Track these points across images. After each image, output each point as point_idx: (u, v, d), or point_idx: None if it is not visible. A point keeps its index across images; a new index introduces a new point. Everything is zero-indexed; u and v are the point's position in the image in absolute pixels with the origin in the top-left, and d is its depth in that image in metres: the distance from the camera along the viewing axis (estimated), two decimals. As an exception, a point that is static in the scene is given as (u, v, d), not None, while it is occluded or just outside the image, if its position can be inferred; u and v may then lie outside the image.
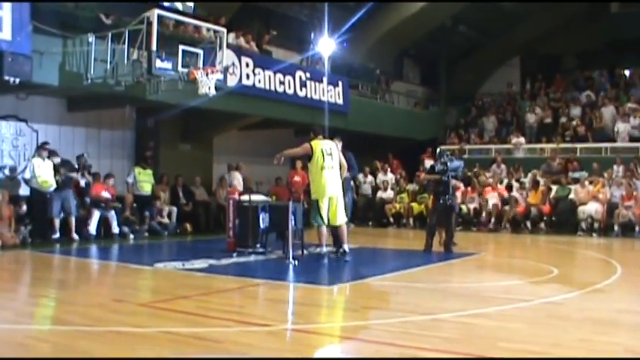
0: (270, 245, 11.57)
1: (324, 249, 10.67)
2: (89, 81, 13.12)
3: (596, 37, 25.69)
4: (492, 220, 18.51)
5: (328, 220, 10.71)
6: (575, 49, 27.44)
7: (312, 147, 10.76)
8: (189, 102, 14.25)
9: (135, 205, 15.67)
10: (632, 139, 21.19)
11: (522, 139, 22.96)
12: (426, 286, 8.67)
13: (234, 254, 11.20)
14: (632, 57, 25.51)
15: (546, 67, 27.41)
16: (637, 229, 16.75)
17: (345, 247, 10.77)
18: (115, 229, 14.86)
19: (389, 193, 20.55)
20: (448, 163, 12.38)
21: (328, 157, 10.69)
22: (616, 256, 12.70)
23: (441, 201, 12.36)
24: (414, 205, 19.96)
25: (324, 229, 10.77)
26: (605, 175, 18.84)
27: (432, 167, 13.10)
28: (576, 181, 18.83)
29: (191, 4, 15.23)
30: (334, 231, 11.01)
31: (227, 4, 18.30)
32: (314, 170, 10.78)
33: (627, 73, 25.58)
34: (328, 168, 10.67)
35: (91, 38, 13.05)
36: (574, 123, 22.67)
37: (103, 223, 14.89)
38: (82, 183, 14.74)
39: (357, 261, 11.02)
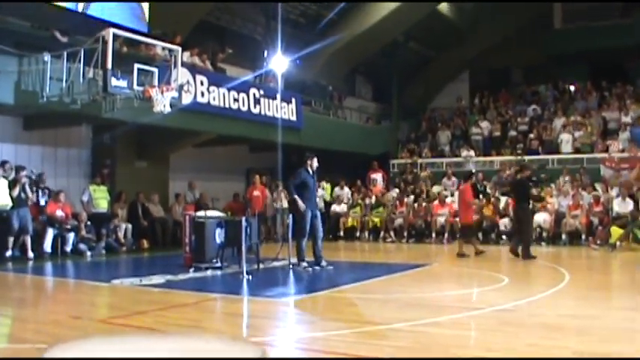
0: (226, 260, 11.72)
1: None
2: (45, 99, 13.09)
3: (540, 52, 26.45)
4: (446, 234, 18.90)
5: None
6: (521, 63, 28.25)
7: None
8: (144, 120, 14.27)
9: (91, 222, 15.58)
10: (577, 150, 21.90)
11: (472, 152, 23.46)
12: (381, 297, 8.88)
13: (191, 269, 11.31)
14: (575, 70, 26.39)
15: (494, 81, 28.08)
16: (583, 237, 17.32)
17: None
18: (69, 247, 14.87)
19: (342, 207, 20.85)
20: None
21: None
22: (564, 263, 13.00)
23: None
24: (373, 218, 20.30)
25: None
26: (553, 185, 19.41)
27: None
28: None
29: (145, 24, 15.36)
30: None
31: (182, 24, 18.40)
32: None
33: (572, 88, 26.33)
34: None
35: (47, 57, 13.05)
36: (531, 135, 23.28)
37: (60, 240, 14.83)
38: (42, 201, 14.72)
39: (312, 274, 11.26)
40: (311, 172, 12.14)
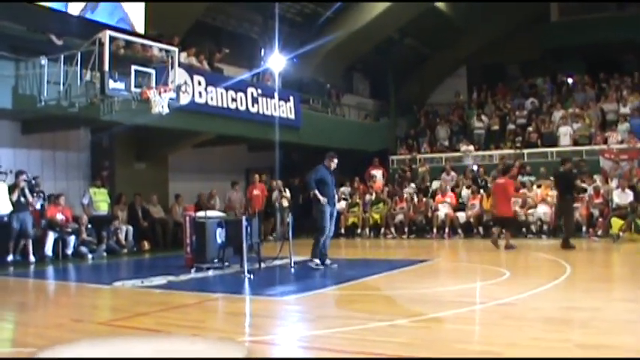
0: (227, 260, 11.71)
1: None
2: (43, 103, 13.11)
3: (537, 46, 26.47)
4: (447, 229, 18.90)
5: None
6: (519, 57, 28.27)
7: None
8: (143, 121, 14.29)
9: (91, 225, 15.55)
10: (575, 142, 21.89)
11: (471, 147, 23.45)
12: (383, 294, 8.91)
13: (192, 270, 11.30)
14: (572, 63, 26.40)
15: (492, 75, 28.09)
16: (584, 229, 17.34)
17: None
18: (70, 250, 14.88)
19: (342, 205, 20.78)
20: None
21: None
22: (565, 256, 13.00)
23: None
24: (373, 215, 20.28)
25: None
26: (552, 178, 19.38)
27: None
28: (524, 185, 19.31)
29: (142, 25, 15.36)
30: None
31: (179, 24, 18.38)
32: None
33: (570, 80, 26.32)
34: None
35: (44, 60, 13.05)
36: (530, 129, 23.28)
37: (61, 244, 14.82)
38: (38, 205, 14.72)
39: (312, 272, 11.25)
40: (329, 170, 12.06)
